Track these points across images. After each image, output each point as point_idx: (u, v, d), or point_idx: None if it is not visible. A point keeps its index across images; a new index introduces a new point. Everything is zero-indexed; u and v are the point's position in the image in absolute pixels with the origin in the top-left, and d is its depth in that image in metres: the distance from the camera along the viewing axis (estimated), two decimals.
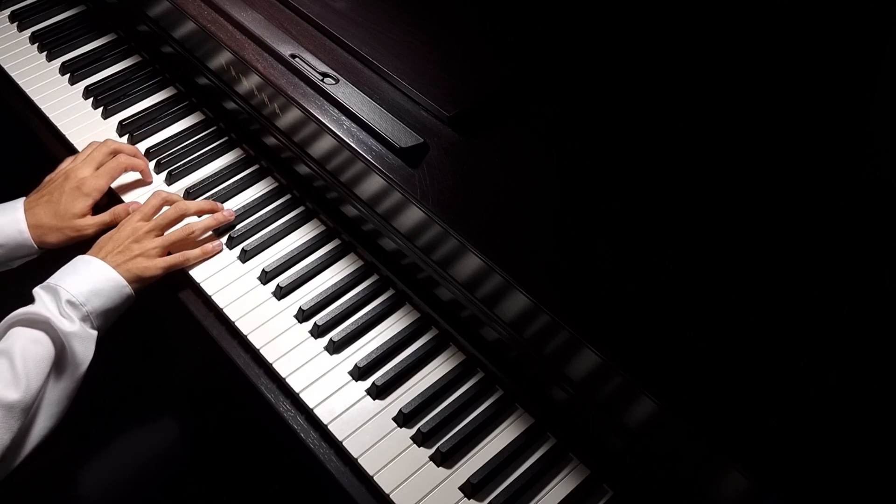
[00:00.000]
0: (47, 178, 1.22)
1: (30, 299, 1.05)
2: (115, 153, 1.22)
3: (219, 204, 1.22)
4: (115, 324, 1.10)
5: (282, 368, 1.07)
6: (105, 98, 1.38)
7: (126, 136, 1.33)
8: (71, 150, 1.33)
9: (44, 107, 1.37)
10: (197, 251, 1.16)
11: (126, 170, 1.24)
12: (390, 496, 0.97)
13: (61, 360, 1.02)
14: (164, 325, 1.37)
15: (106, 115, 1.37)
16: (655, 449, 0.92)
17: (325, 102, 1.12)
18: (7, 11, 1.53)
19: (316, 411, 1.03)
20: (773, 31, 1.02)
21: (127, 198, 1.26)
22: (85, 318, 1.05)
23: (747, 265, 0.96)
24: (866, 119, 1.00)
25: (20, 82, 1.41)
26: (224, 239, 1.20)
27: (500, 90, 1.12)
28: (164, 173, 1.28)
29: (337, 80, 1.13)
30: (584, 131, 1.10)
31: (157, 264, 1.12)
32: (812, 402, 0.85)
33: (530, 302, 0.94)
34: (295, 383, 1.06)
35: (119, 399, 1.27)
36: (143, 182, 1.27)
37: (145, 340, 1.40)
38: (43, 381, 0.98)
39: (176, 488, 1.21)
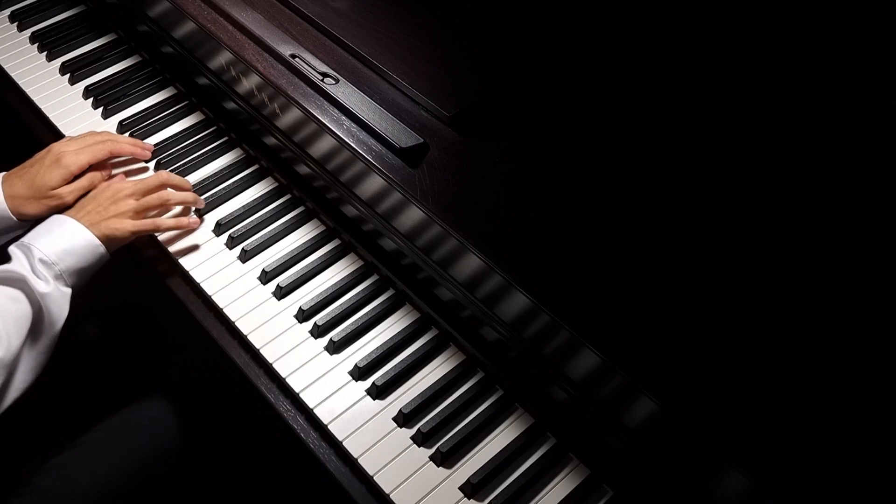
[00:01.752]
0: (35, 155, 1.23)
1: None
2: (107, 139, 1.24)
3: (191, 187, 1.24)
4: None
5: (282, 368, 1.07)
6: (105, 98, 1.38)
7: (126, 137, 1.33)
8: None
9: (44, 107, 1.38)
10: (171, 221, 1.18)
11: (111, 154, 1.24)
12: (390, 496, 0.97)
13: (38, 319, 1.04)
14: (164, 325, 1.37)
15: (106, 115, 1.37)
16: (655, 449, 0.92)
17: (325, 102, 1.12)
18: (7, 11, 1.53)
19: (316, 411, 1.03)
20: (773, 31, 1.02)
21: None
22: (58, 277, 1.07)
23: (747, 265, 0.96)
24: (867, 118, 1.00)
25: (20, 82, 1.41)
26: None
27: (500, 90, 1.12)
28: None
29: (337, 80, 1.13)
30: (585, 131, 1.10)
31: (125, 226, 1.14)
32: (812, 403, 0.85)
33: (530, 302, 0.94)
34: (295, 383, 1.06)
35: (119, 398, 1.27)
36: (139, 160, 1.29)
37: (145, 339, 1.40)
38: (23, 338, 1.01)
39: (175, 487, 1.21)
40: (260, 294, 1.14)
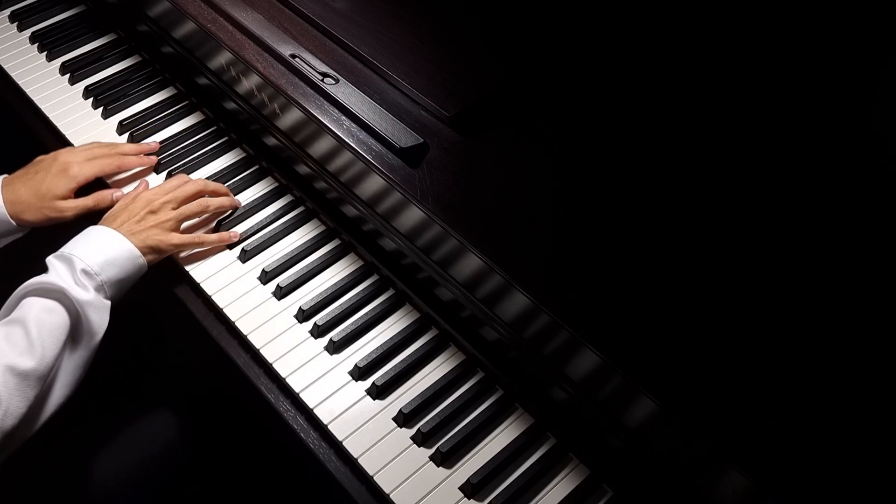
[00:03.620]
0: (38, 157, 1.22)
1: (19, 283, 1.04)
2: (115, 152, 1.23)
3: (229, 191, 1.23)
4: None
5: (282, 368, 1.07)
6: (105, 98, 1.38)
7: (126, 136, 1.33)
8: None
9: (44, 107, 1.38)
10: (214, 237, 1.16)
11: (119, 170, 1.24)
12: (390, 496, 0.97)
13: (76, 329, 1.02)
14: (164, 325, 1.37)
15: (106, 115, 1.37)
16: (655, 449, 0.92)
17: (325, 102, 1.12)
18: (7, 11, 1.53)
19: (316, 411, 1.03)
20: (773, 31, 1.02)
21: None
22: (99, 288, 1.04)
23: (748, 265, 0.96)
24: (867, 118, 1.00)
25: (20, 82, 1.41)
26: (218, 247, 1.19)
27: (500, 90, 1.12)
28: (164, 173, 1.28)
29: (337, 80, 1.13)
30: (584, 131, 1.10)
31: (171, 239, 1.12)
32: (812, 403, 0.85)
33: (530, 302, 0.94)
34: (295, 383, 1.06)
35: (119, 398, 1.27)
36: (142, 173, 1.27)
37: (145, 340, 1.40)
38: (59, 350, 0.98)
39: (175, 487, 1.21)
40: (260, 294, 1.14)
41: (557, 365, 0.97)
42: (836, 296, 0.93)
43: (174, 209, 1.14)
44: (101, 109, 1.37)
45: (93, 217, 1.18)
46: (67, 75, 1.42)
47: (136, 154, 1.26)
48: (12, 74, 1.42)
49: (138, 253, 1.08)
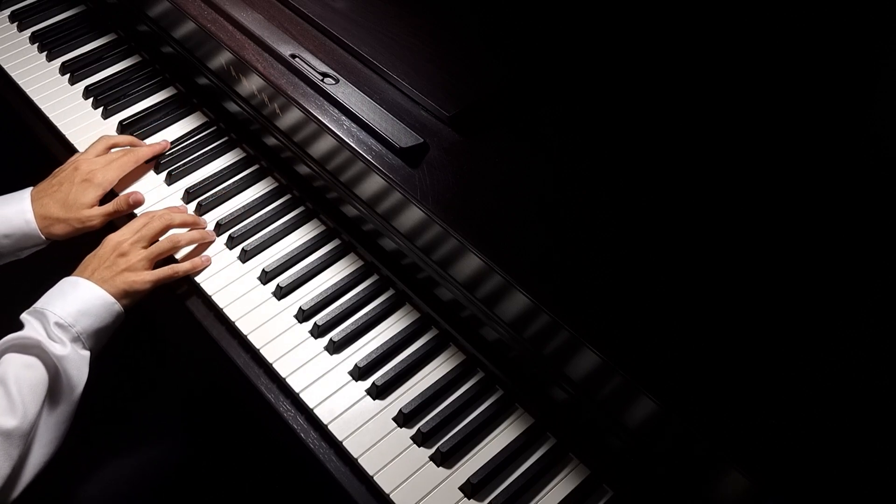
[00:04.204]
0: (56, 169, 1.22)
1: (40, 294, 1.04)
2: (116, 144, 1.24)
3: (201, 219, 1.20)
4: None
5: (282, 368, 1.07)
6: (105, 98, 1.38)
7: None
8: (71, 150, 1.33)
9: (44, 107, 1.38)
10: (186, 265, 1.14)
11: (137, 164, 1.24)
12: (390, 496, 0.97)
13: (56, 384, 1.00)
14: (164, 325, 1.37)
15: (106, 115, 1.37)
16: (655, 449, 0.92)
17: (325, 102, 1.12)
18: (7, 11, 1.53)
19: (316, 411, 1.03)
20: (773, 30, 1.02)
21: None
22: (76, 339, 1.03)
23: (748, 265, 0.96)
24: (867, 118, 1.00)
25: (20, 82, 1.41)
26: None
27: (500, 90, 1.12)
28: (164, 173, 1.28)
29: (337, 80, 1.13)
30: (584, 131, 1.10)
31: (144, 278, 1.10)
32: (812, 403, 0.85)
33: (530, 302, 0.94)
34: (295, 383, 1.06)
35: (119, 399, 1.27)
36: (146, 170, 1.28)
37: (145, 340, 1.40)
38: (40, 406, 0.97)
39: (176, 488, 1.21)
40: (260, 294, 1.14)
41: (557, 365, 0.97)
42: (836, 296, 0.93)
43: (144, 248, 1.12)
44: (101, 109, 1.37)
45: (115, 223, 1.18)
46: (67, 75, 1.42)
47: (150, 146, 1.27)
48: (12, 74, 1.42)
49: (112, 300, 1.07)
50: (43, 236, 1.15)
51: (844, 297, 0.93)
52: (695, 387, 0.86)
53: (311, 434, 1.03)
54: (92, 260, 1.11)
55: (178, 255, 1.17)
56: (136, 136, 1.32)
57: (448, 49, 1.16)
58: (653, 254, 0.96)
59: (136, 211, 1.22)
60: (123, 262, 1.10)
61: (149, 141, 1.32)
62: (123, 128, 1.34)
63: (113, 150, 1.25)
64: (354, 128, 1.09)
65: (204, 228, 1.19)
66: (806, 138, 1.03)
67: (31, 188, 1.19)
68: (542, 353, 0.98)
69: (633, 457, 0.95)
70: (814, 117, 1.02)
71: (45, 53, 1.46)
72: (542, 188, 1.03)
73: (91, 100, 1.38)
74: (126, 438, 1.18)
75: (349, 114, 1.09)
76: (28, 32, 1.49)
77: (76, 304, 1.04)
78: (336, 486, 1.00)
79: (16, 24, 1.51)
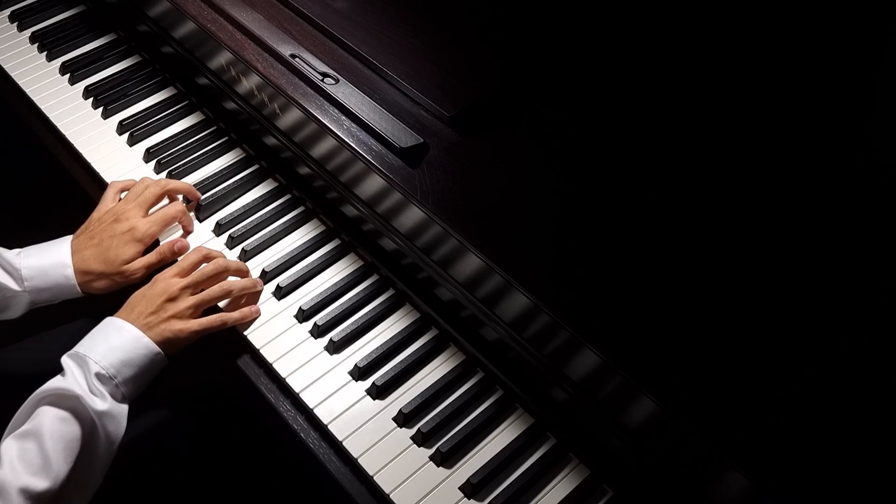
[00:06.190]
0: (94, 215, 1.18)
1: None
2: (166, 193, 1.19)
3: (246, 265, 1.16)
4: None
5: (282, 368, 1.07)
6: (105, 98, 1.38)
7: (126, 136, 1.33)
8: (71, 150, 1.33)
9: (44, 107, 1.38)
10: (236, 314, 1.09)
11: (179, 218, 1.19)
12: (390, 496, 0.97)
13: (91, 440, 0.97)
14: None
15: (106, 115, 1.37)
16: (655, 449, 0.92)
17: (325, 102, 1.12)
18: (7, 11, 1.53)
19: (316, 411, 1.03)
20: (773, 30, 1.02)
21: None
22: (115, 391, 1.00)
23: (748, 265, 0.96)
24: (868, 118, 1.00)
25: (20, 82, 1.41)
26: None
27: (500, 90, 1.12)
28: (164, 173, 1.28)
29: (337, 80, 1.13)
30: (585, 131, 1.10)
31: (190, 326, 1.06)
32: (812, 403, 0.85)
33: (530, 302, 0.94)
34: (295, 383, 1.06)
35: None
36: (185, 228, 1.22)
37: None
38: (71, 464, 0.93)
39: (175, 487, 1.21)
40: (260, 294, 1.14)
41: (557, 365, 0.97)
42: (836, 296, 0.93)
43: (193, 293, 1.08)
44: (101, 109, 1.37)
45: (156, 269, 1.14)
46: (67, 75, 1.42)
47: (184, 191, 1.22)
48: (12, 74, 1.42)
49: (157, 349, 1.03)
50: (81, 293, 1.12)
51: (844, 298, 0.93)
52: (695, 387, 0.86)
53: (311, 434, 1.03)
54: (140, 301, 1.06)
55: (222, 303, 1.12)
56: (135, 136, 1.32)
57: (448, 49, 1.16)
58: (653, 254, 0.97)
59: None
60: (171, 308, 1.06)
61: (148, 141, 1.31)
62: (123, 128, 1.34)
63: (163, 211, 1.17)
64: (354, 128, 1.09)
65: (248, 275, 1.15)
66: (806, 139, 1.03)
67: (70, 237, 1.14)
68: (542, 353, 0.98)
69: (633, 457, 0.95)
70: (814, 117, 1.02)
71: (45, 53, 1.46)
72: (542, 188, 1.03)
73: (91, 100, 1.38)
74: (126, 439, 1.18)
75: (349, 114, 1.09)
76: (28, 32, 1.50)
77: (119, 353, 1.01)
78: (336, 486, 1.00)
79: (16, 24, 1.51)
